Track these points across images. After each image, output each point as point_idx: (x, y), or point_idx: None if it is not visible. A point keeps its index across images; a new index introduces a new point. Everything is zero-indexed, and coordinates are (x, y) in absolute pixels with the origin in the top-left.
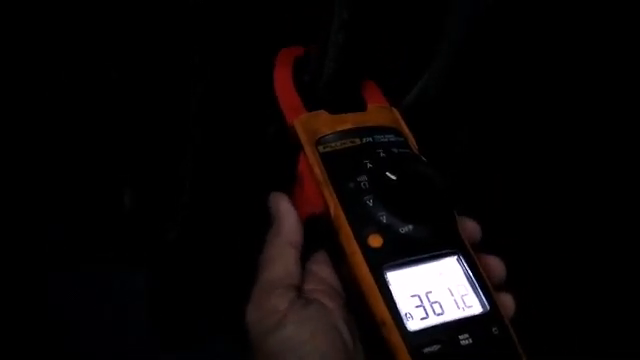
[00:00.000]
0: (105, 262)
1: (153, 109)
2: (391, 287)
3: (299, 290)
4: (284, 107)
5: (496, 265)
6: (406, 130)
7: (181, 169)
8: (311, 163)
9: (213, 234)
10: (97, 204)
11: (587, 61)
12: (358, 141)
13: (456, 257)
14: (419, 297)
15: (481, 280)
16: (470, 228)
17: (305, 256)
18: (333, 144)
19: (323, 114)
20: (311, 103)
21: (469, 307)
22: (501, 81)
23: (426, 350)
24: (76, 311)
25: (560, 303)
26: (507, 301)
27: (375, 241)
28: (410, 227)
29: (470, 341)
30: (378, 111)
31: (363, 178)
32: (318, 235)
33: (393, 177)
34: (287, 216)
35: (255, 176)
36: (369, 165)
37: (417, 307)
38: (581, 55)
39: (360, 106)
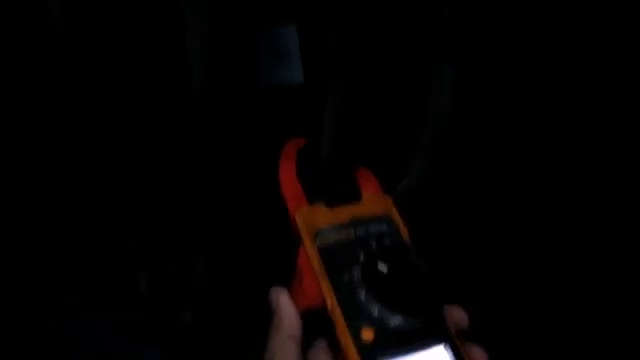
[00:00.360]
0: (122, 343)
1: (163, 199)
2: None
3: None
4: (287, 198)
5: (479, 355)
6: (398, 219)
7: (195, 253)
8: (310, 257)
9: (226, 317)
10: (114, 286)
11: (573, 90)
12: (353, 233)
13: (443, 346)
14: None
15: None
16: (457, 316)
17: (305, 345)
18: (330, 237)
19: (321, 207)
20: (312, 194)
21: None
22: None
23: None
24: None
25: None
26: None
27: (367, 335)
28: (399, 319)
29: None
30: (372, 200)
31: (356, 271)
32: (317, 326)
33: (384, 269)
34: (287, 311)
35: (261, 266)
36: (362, 257)
37: None
38: (567, 86)
39: (355, 195)
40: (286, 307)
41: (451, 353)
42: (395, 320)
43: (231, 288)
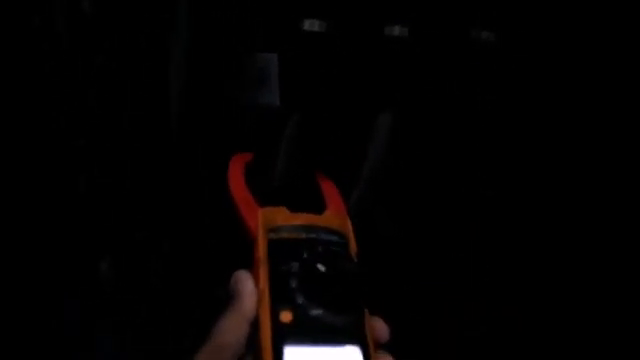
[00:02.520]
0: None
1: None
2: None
3: None
4: (238, 202)
5: None
6: (351, 237)
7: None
8: (258, 245)
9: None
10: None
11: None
12: (304, 235)
13: (355, 347)
14: None
15: None
16: (379, 328)
17: None
18: (282, 234)
19: (283, 210)
20: (263, 201)
21: None
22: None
23: None
24: None
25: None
26: None
27: (285, 317)
28: (320, 311)
29: None
30: (332, 216)
31: (295, 264)
32: None
33: (322, 269)
34: (250, 297)
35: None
36: (305, 255)
37: None
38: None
39: (319, 209)
40: (250, 293)
41: (361, 357)
42: (315, 311)
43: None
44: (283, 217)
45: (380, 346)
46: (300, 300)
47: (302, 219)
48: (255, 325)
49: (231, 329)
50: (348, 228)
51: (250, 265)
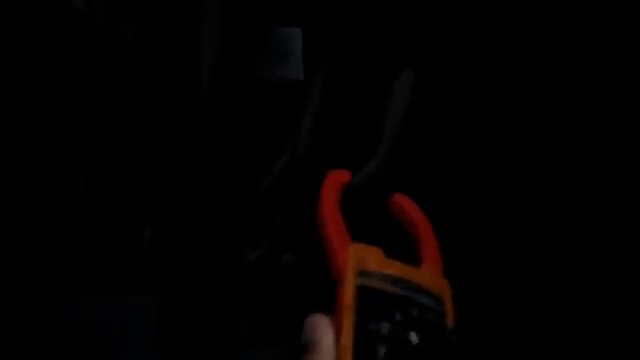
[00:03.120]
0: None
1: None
2: None
3: None
4: (330, 233)
5: None
6: (449, 305)
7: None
8: (345, 289)
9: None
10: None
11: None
12: (399, 291)
13: None
14: None
15: None
16: None
17: None
18: (373, 282)
19: (377, 251)
20: (354, 234)
21: None
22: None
23: None
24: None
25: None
26: None
27: None
28: None
29: None
30: (430, 274)
31: (386, 326)
32: None
33: (414, 340)
34: (329, 349)
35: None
36: (398, 317)
37: None
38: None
39: (415, 261)
40: (330, 346)
41: None
42: None
43: None
44: (377, 261)
45: None
46: None
47: (399, 269)
48: None
49: None
50: (447, 292)
51: (327, 307)
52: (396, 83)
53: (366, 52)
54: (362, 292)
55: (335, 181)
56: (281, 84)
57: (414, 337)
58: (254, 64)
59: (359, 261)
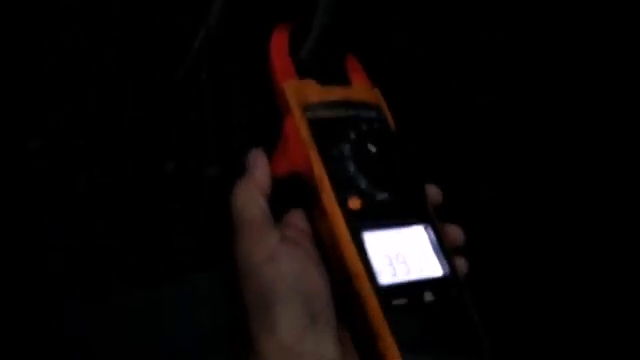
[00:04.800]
0: None
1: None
2: (366, 246)
3: (280, 233)
4: (277, 70)
5: (456, 233)
6: (386, 109)
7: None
8: (298, 126)
9: None
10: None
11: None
12: (343, 113)
13: (424, 226)
14: (390, 257)
15: (443, 248)
16: (433, 193)
17: (280, 215)
18: (320, 112)
19: (312, 83)
20: (302, 71)
21: (432, 270)
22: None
23: (394, 302)
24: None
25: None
26: (462, 264)
27: (354, 204)
28: (385, 195)
29: (432, 298)
30: (362, 87)
31: (346, 147)
32: (295, 194)
33: (373, 149)
34: (260, 168)
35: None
36: (352, 136)
37: (388, 265)
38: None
39: (345, 80)
40: (261, 165)
41: (430, 233)
42: (381, 195)
43: None
44: (315, 92)
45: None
46: (363, 185)
47: (336, 94)
48: (314, 216)
49: (250, 203)
50: (381, 99)
51: (269, 145)
52: None
53: None
54: (314, 125)
55: (284, 27)
56: None
57: (372, 148)
58: None
59: (300, 98)
